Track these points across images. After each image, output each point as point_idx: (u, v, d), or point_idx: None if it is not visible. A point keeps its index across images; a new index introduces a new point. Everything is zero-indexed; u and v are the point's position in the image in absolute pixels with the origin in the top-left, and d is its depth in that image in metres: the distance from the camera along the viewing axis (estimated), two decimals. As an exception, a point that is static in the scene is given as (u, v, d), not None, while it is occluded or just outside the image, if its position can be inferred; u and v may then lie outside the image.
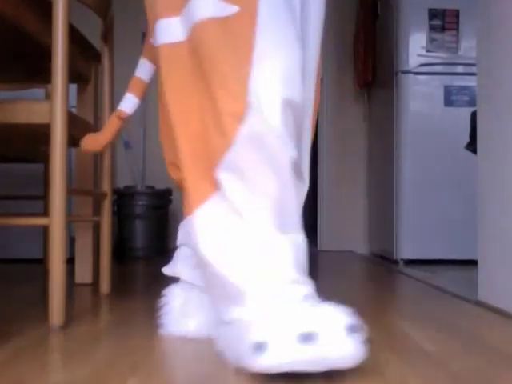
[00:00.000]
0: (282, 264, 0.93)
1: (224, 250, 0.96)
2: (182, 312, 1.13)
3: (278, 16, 0.99)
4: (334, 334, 0.78)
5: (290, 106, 0.97)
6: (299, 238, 0.99)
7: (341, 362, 0.79)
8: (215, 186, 1.00)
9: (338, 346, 0.78)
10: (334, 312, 0.80)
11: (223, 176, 0.97)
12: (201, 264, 1.01)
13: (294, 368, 0.78)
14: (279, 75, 0.96)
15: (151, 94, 3.43)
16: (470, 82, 2.77)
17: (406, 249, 2.80)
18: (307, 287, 0.93)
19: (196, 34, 1.00)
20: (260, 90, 0.95)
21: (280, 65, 0.97)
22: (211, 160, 1.00)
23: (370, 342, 1.05)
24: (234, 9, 0.98)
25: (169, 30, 1.05)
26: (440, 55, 2.84)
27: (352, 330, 0.78)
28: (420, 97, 2.83)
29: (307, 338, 0.77)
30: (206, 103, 1.00)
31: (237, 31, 0.98)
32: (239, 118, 0.94)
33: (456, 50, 2.84)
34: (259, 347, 0.78)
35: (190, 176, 1.03)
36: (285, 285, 0.91)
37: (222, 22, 0.98)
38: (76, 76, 1.78)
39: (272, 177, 0.96)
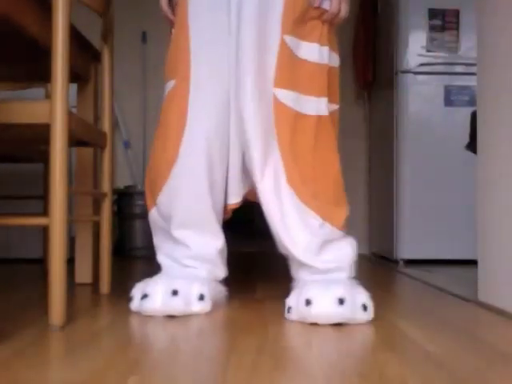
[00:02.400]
0: None
1: None
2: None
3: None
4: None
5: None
6: None
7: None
8: None
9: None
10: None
11: None
12: None
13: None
14: None
15: (151, 94, 3.44)
16: (470, 81, 2.77)
17: (406, 249, 2.80)
18: None
19: None
20: None
21: None
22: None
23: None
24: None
25: None
26: (440, 55, 2.84)
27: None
28: (420, 97, 2.83)
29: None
30: None
31: None
32: None
33: (456, 49, 2.84)
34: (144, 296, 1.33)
35: None
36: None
37: None
38: (76, 76, 1.78)
39: None
